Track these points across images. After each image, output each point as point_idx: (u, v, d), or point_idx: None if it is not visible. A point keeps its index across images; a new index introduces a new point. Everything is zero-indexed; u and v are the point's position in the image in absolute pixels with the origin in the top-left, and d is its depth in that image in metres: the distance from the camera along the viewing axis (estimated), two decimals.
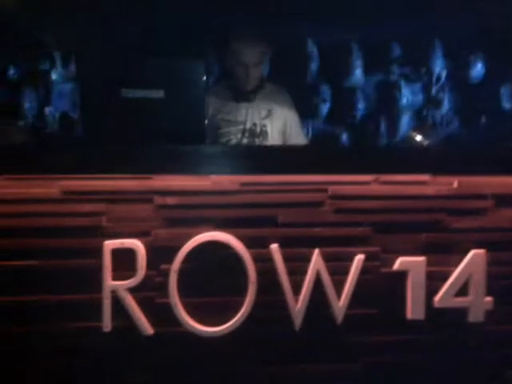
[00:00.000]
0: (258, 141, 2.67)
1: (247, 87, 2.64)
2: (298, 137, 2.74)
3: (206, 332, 1.77)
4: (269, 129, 2.68)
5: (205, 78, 1.87)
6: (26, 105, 3.80)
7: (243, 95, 2.66)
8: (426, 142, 2.86)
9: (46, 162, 1.75)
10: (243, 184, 1.78)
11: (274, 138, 2.69)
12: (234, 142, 2.66)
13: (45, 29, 3.58)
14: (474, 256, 1.83)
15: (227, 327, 1.77)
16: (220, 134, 2.67)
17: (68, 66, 3.76)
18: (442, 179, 1.84)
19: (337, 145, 2.66)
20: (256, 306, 1.78)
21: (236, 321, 1.77)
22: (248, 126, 2.66)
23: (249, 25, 3.05)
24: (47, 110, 3.94)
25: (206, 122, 2.61)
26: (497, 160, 1.85)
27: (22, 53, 3.71)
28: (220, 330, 1.77)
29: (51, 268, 1.74)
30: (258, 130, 2.67)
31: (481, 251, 1.83)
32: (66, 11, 3.11)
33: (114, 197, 1.75)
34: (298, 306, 1.79)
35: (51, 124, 3.89)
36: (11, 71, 3.81)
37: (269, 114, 2.68)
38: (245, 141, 2.66)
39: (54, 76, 3.91)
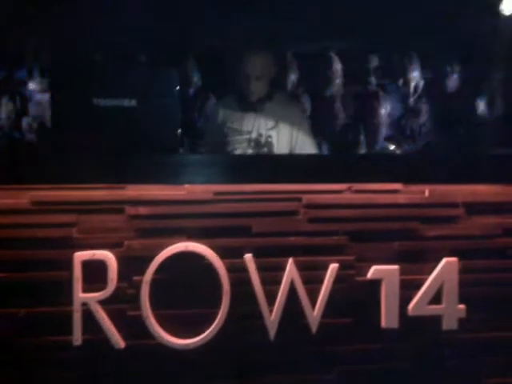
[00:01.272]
0: (263, 151, 2.67)
1: (251, 98, 2.67)
2: (306, 149, 2.72)
3: (180, 344, 1.75)
4: (274, 140, 2.68)
5: (178, 87, 1.86)
6: (2, 115, 3.75)
7: (250, 105, 2.68)
8: (398, 151, 2.89)
9: (16, 171, 1.73)
10: (217, 193, 1.78)
11: (280, 149, 2.69)
12: (239, 151, 2.67)
13: (21, 39, 3.56)
14: (446, 264, 1.84)
15: (201, 339, 1.75)
16: (226, 143, 2.69)
17: (45, 75, 3.73)
18: (414, 188, 1.85)
19: (309, 154, 2.67)
20: (230, 316, 1.76)
21: (210, 332, 1.76)
22: (254, 136, 2.67)
23: (230, 35, 3.08)
24: (24, 119, 3.90)
25: (214, 130, 2.64)
26: (467, 168, 1.87)
27: None
28: (194, 342, 1.75)
29: (20, 280, 1.70)
30: (264, 140, 2.67)
31: (453, 259, 1.85)
32: (41, 22, 3.10)
33: (85, 207, 1.73)
34: (272, 316, 1.78)
35: (28, 134, 3.84)
36: None
37: (276, 126, 2.69)
38: (250, 151, 2.67)
39: (31, 86, 3.88)
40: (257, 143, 2.67)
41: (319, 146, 4.08)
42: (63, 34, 3.22)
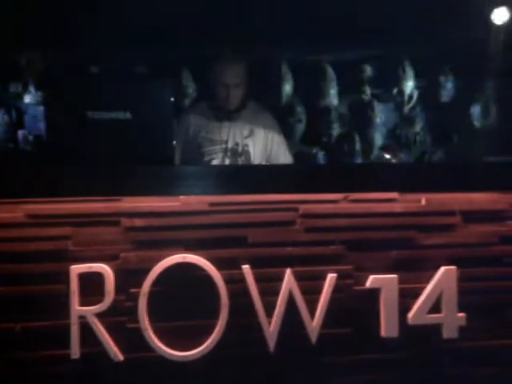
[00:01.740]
0: (240, 160, 2.66)
1: (229, 107, 2.64)
2: (281, 158, 2.71)
3: (178, 356, 1.73)
4: (251, 148, 2.67)
5: (172, 99, 1.86)
6: None
7: (225, 114, 2.66)
8: (394, 160, 2.90)
9: (10, 185, 1.72)
10: (212, 204, 1.77)
11: (256, 158, 2.68)
12: (216, 161, 2.64)
13: (16, 52, 3.57)
14: (444, 272, 1.84)
15: (199, 351, 1.74)
16: (202, 153, 2.65)
17: (40, 88, 3.73)
18: (411, 196, 1.85)
19: (305, 163, 2.67)
20: (229, 328, 1.75)
21: (208, 344, 1.74)
22: (230, 145, 2.65)
23: (223, 46, 3.08)
24: (20, 132, 3.89)
25: (188, 140, 2.62)
26: (463, 177, 1.87)
27: None
28: (192, 354, 1.73)
29: (16, 294, 1.69)
30: (240, 149, 2.66)
31: (451, 267, 1.84)
32: (35, 35, 3.10)
33: (80, 220, 1.72)
34: (271, 327, 1.77)
35: (23, 147, 3.83)
36: None
37: (251, 134, 2.67)
38: (227, 160, 2.65)
39: (26, 99, 3.88)
40: (233, 152, 2.65)
41: (315, 155, 4.11)
42: (58, 47, 3.23)
